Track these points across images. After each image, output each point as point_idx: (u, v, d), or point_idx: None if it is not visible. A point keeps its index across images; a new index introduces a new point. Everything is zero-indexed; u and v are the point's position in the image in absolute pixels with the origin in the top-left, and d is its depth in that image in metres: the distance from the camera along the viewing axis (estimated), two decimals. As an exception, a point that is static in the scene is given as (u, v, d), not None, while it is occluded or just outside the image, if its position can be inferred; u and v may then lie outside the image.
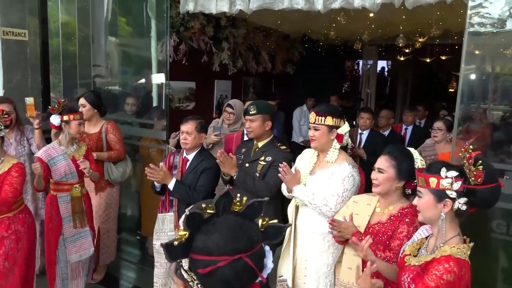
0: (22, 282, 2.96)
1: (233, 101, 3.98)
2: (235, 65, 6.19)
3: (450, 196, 1.69)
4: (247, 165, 2.91)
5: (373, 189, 2.18)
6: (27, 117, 3.49)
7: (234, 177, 2.85)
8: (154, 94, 4.03)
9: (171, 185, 2.88)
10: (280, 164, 2.53)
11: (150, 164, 2.87)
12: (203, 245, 0.98)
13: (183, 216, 0.99)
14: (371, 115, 4.62)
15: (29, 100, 3.43)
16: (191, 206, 1.05)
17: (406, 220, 2.10)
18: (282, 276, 2.68)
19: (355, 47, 7.16)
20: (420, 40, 6.44)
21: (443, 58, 8.89)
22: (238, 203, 1.04)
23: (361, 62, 9.21)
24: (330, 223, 2.22)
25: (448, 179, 1.68)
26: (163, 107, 3.85)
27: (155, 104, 4.03)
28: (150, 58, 4.12)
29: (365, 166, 3.12)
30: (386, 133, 4.95)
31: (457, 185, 1.67)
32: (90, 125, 3.76)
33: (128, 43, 4.49)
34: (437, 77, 11.91)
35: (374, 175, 2.16)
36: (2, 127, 2.77)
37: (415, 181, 1.89)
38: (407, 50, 7.92)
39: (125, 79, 4.57)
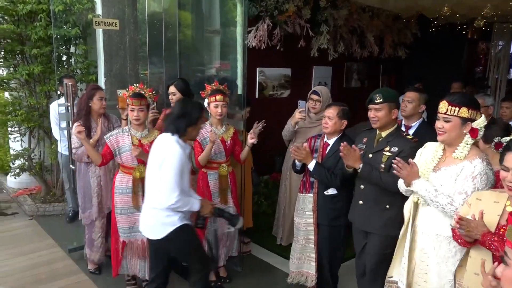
0: None
1: (318, 88, 3.87)
2: (336, 49, 5.80)
3: None
4: (370, 155, 2.80)
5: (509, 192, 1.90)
6: (118, 108, 3.63)
7: (358, 170, 2.77)
8: (239, 82, 3.90)
9: (311, 166, 3.04)
10: (393, 160, 2.39)
11: (294, 144, 3.05)
12: None
13: None
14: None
15: (122, 92, 3.58)
16: None
17: None
18: (392, 277, 2.55)
19: (476, 24, 6.13)
20: None
21: None
22: None
23: (490, 44, 7.91)
24: (457, 221, 2.01)
25: None
26: (252, 95, 3.69)
27: (240, 92, 3.89)
28: (235, 44, 3.98)
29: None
30: (513, 124, 4.39)
31: None
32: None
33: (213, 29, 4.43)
34: None
35: (509, 176, 1.86)
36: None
37: None
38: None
39: (210, 66, 4.53)
